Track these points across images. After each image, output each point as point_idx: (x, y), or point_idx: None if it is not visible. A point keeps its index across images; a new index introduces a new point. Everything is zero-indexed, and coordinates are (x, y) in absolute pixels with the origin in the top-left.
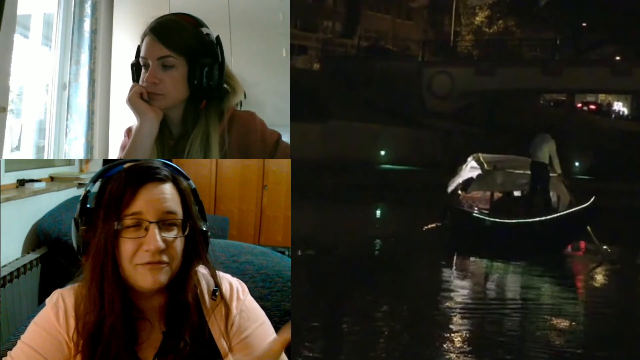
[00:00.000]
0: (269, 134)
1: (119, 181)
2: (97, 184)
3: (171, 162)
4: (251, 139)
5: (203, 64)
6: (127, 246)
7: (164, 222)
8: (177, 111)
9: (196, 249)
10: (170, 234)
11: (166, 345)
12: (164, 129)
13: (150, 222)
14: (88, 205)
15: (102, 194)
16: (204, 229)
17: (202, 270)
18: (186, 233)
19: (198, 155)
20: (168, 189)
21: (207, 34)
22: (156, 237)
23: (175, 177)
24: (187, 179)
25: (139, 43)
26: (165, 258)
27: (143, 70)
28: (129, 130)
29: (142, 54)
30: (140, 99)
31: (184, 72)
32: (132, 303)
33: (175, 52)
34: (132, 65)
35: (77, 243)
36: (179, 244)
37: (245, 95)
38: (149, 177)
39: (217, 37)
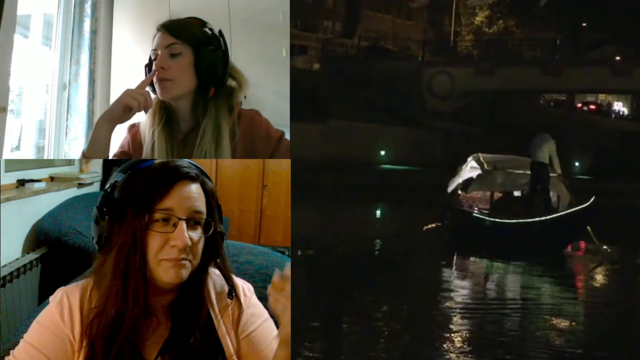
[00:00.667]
0: (273, 131)
1: (152, 176)
2: (124, 176)
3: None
4: (257, 135)
5: (208, 51)
6: (154, 240)
7: (191, 221)
8: (186, 103)
9: (215, 248)
10: (196, 233)
11: (171, 341)
12: (172, 124)
13: (180, 219)
14: (115, 196)
15: (130, 187)
16: (221, 230)
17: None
18: (209, 233)
19: (210, 147)
20: (197, 188)
21: (211, 29)
22: (185, 234)
23: (202, 178)
24: (210, 180)
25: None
26: (189, 255)
27: (154, 64)
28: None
29: (152, 47)
30: (124, 109)
31: (191, 60)
32: None
33: (182, 40)
34: (146, 66)
35: (99, 233)
36: (201, 243)
37: (245, 95)
38: (182, 175)
39: (220, 31)
